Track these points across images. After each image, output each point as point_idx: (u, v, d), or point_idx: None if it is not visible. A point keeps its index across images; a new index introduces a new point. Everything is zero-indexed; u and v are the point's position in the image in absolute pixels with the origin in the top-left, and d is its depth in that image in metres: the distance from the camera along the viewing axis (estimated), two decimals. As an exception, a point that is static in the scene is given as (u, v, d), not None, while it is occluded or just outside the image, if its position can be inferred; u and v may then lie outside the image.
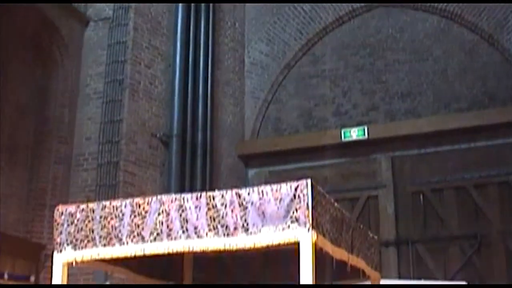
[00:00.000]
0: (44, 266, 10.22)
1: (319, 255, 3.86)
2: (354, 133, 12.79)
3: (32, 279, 10.24)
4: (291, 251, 3.99)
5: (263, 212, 3.73)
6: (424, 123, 12.62)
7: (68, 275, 4.34)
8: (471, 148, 12.42)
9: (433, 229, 12.46)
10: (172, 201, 3.98)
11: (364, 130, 12.78)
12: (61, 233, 4.31)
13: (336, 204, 4.19)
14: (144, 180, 10.73)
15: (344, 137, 12.82)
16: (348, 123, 13.14)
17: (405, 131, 12.63)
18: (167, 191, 10.58)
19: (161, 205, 4.00)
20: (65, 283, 4.29)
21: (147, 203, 4.05)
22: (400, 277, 11.40)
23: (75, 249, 4.24)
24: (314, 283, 3.65)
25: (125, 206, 4.12)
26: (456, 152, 12.49)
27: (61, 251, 4.28)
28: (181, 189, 10.74)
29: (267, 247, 3.94)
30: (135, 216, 4.05)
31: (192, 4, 12.27)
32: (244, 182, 12.92)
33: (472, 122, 12.24)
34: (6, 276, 9.77)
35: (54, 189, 10.73)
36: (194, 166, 11.42)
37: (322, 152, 12.75)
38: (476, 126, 12.17)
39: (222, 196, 3.86)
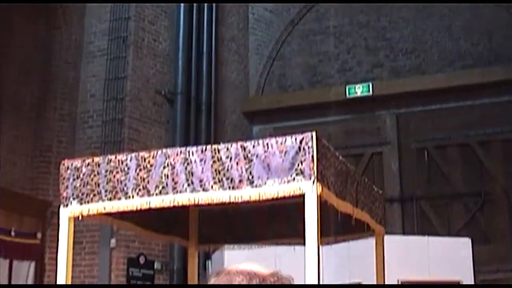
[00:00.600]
0: (50, 223, 10.29)
1: (324, 208, 3.87)
2: (359, 90, 12.75)
3: (39, 235, 10.32)
4: (296, 206, 4.00)
5: (268, 165, 3.74)
6: (429, 80, 12.58)
7: (75, 232, 4.36)
8: (476, 105, 12.39)
9: (437, 186, 12.48)
10: (177, 155, 3.98)
11: (368, 86, 12.74)
12: (67, 187, 4.31)
13: (341, 157, 4.20)
14: (148, 137, 10.74)
15: (349, 93, 12.79)
16: (352, 80, 13.10)
17: (410, 88, 12.59)
18: (171, 147, 10.60)
19: (166, 159, 4.00)
20: (71, 238, 4.31)
21: (152, 157, 4.05)
22: (404, 234, 11.46)
23: (81, 203, 4.26)
24: (319, 237, 3.66)
25: (130, 160, 4.12)
26: (461, 109, 12.46)
27: (67, 205, 4.29)
28: (186, 146, 10.73)
29: (272, 200, 3.95)
30: (140, 170, 4.06)
31: (196, -39, 12.17)
32: (248, 139, 12.88)
33: (477, 79, 12.19)
34: (13, 233, 9.85)
35: (59, 147, 10.77)
36: (198, 123, 11.43)
37: (327, 108, 12.73)
38: (481, 83, 12.12)
39: (227, 149, 3.86)
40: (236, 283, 1.69)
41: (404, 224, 12.30)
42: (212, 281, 1.73)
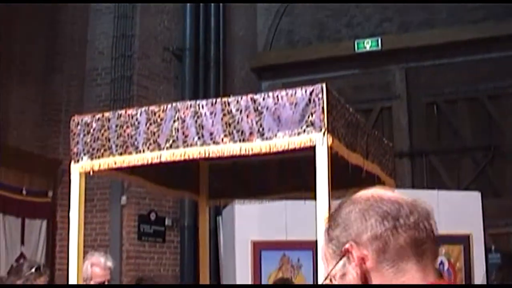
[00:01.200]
0: (61, 181, 10.35)
1: (334, 160, 3.87)
2: (368, 44, 12.66)
3: (50, 194, 10.39)
4: (307, 160, 4.00)
5: (278, 117, 3.73)
6: (439, 34, 12.46)
7: (86, 190, 4.37)
8: (486, 59, 12.29)
9: (447, 140, 12.46)
10: (187, 108, 3.97)
11: (377, 41, 12.64)
12: (77, 143, 4.32)
13: (351, 109, 4.18)
14: (158, 94, 10.73)
15: (358, 48, 12.70)
16: (361, 35, 12.99)
17: (419, 42, 12.48)
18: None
19: (176, 112, 4.00)
20: (82, 194, 4.32)
21: (162, 111, 4.05)
22: (413, 188, 11.48)
23: (91, 159, 4.26)
24: (329, 189, 3.67)
25: (140, 114, 4.12)
26: (471, 63, 12.37)
27: (78, 161, 4.30)
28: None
29: (283, 153, 3.95)
30: (150, 124, 4.06)
31: None
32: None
33: (487, 33, 12.07)
34: (24, 191, 9.92)
35: (68, 105, 10.78)
36: (207, 79, 11.40)
37: (335, 63, 12.66)
38: (491, 37, 12.01)
39: (237, 101, 3.85)
40: (385, 210, 1.49)
41: (414, 178, 12.32)
42: (347, 210, 1.54)
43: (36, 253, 9.91)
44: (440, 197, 9.05)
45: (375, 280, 1.38)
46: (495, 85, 12.22)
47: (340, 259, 1.48)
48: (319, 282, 3.41)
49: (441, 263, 8.45)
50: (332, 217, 1.59)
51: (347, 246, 1.45)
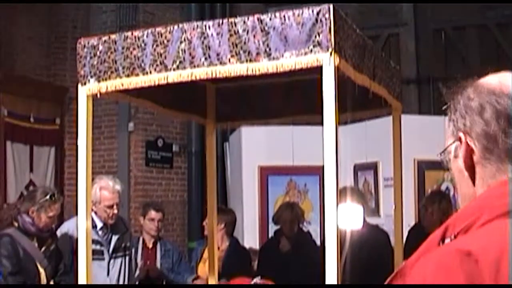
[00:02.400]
0: (68, 109, 10.39)
1: (341, 83, 3.85)
2: (376, -30, 12.48)
3: (58, 121, 10.43)
4: (313, 83, 3.99)
5: (285, 37, 3.71)
6: (448, -41, 12.28)
7: (93, 117, 4.36)
8: (495, -15, 12.14)
9: (454, 67, 12.39)
10: (193, 29, 3.95)
11: (386, -34, 12.47)
12: (84, 66, 4.31)
13: (358, 30, 4.16)
14: (164, 20, 10.63)
15: (365, -27, 12.54)
16: (368, -41, 12.80)
17: (428, -33, 12.32)
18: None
19: (183, 33, 3.98)
20: (90, 117, 4.33)
21: (169, 32, 4.02)
22: (420, 114, 11.48)
23: (98, 81, 4.26)
24: (336, 111, 3.66)
25: (147, 36, 4.10)
26: (479, -11, 12.22)
27: (85, 83, 4.29)
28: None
29: (290, 74, 3.94)
30: (157, 45, 4.04)
31: None
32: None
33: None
34: (32, 119, 9.96)
35: (74, 32, 10.73)
36: (214, 7, 11.29)
37: (343, -10, 12.52)
38: (501, -39, 11.84)
39: (244, 22, 3.82)
40: (503, 107, 1.43)
41: (421, 105, 12.31)
42: (469, 97, 1.53)
43: (45, 180, 10.01)
44: (447, 123, 9.07)
45: (478, 175, 1.40)
46: (503, 13, 12.08)
47: (454, 142, 1.50)
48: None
49: (447, 188, 8.51)
50: (455, 97, 1.61)
51: (460, 134, 1.46)
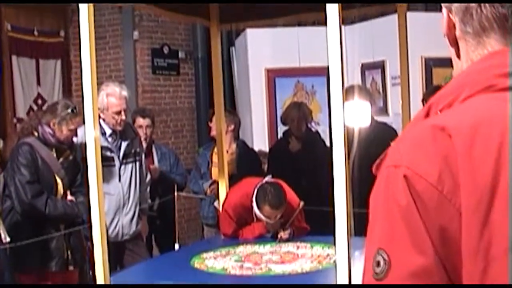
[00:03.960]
0: (71, 21, 10.28)
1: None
2: None
3: (62, 33, 10.35)
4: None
5: None
6: None
7: (97, 27, 4.30)
8: None
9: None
10: None
11: None
12: (83, -28, 4.24)
13: None
14: None
15: None
16: None
17: None
18: None
19: None
20: (92, 25, 4.27)
21: None
22: (427, 11, 11.30)
23: (99, -14, 4.21)
24: (340, 8, 3.58)
25: None
26: None
27: (86, -11, 4.23)
28: None
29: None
30: None
31: None
32: None
33: None
34: (35, 32, 9.88)
35: None
36: None
37: None
38: None
39: None
40: None
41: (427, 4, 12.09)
42: None
43: (52, 93, 10.01)
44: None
45: (462, 50, 1.38)
46: None
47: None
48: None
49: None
50: None
51: (443, 10, 1.43)
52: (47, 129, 5.11)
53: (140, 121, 6.91)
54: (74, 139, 5.63)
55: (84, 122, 4.10)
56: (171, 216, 6.59)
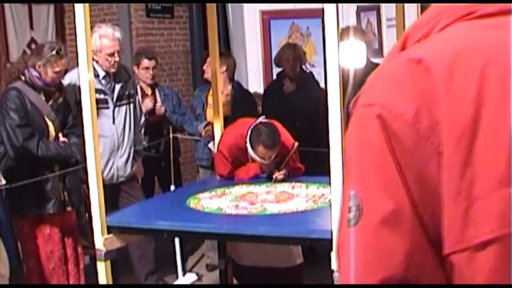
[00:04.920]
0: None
1: None
2: None
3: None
4: None
5: None
6: None
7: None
8: None
9: None
10: None
11: None
12: None
13: None
14: None
15: None
16: None
17: None
18: None
19: None
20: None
21: None
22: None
23: None
24: None
25: None
26: None
27: None
28: None
29: None
30: None
31: None
32: None
33: None
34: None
35: None
36: None
37: None
38: None
39: None
40: None
41: None
42: None
43: (46, 37, 9.92)
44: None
45: None
46: None
47: None
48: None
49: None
50: None
51: None
52: (34, 72, 5.07)
53: (146, 62, 6.89)
54: (65, 81, 5.62)
55: (77, 64, 4.10)
56: (174, 157, 6.70)
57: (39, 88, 5.13)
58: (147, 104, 6.77)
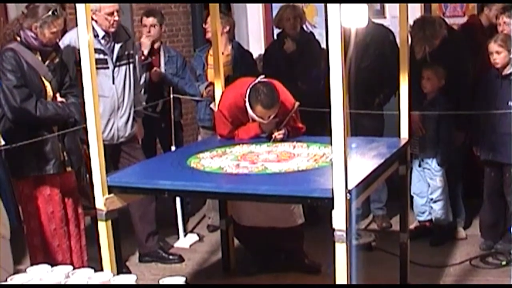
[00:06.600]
0: None
1: None
2: None
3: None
4: None
5: None
6: None
7: None
8: None
9: None
10: None
11: None
12: None
13: None
14: None
15: None
16: None
17: None
18: None
19: None
20: None
21: None
22: None
23: None
24: None
25: None
26: None
27: None
28: None
29: None
30: None
31: None
32: None
33: None
34: None
35: None
36: None
37: None
38: None
39: None
40: None
41: None
42: None
43: (45, -2, 9.84)
44: None
45: None
46: None
47: None
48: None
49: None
50: None
51: None
52: (29, 33, 5.00)
53: (144, 19, 6.91)
54: (64, 41, 5.56)
55: (76, 24, 4.05)
56: (176, 119, 6.73)
57: (35, 49, 5.06)
58: (144, 42, 6.77)
